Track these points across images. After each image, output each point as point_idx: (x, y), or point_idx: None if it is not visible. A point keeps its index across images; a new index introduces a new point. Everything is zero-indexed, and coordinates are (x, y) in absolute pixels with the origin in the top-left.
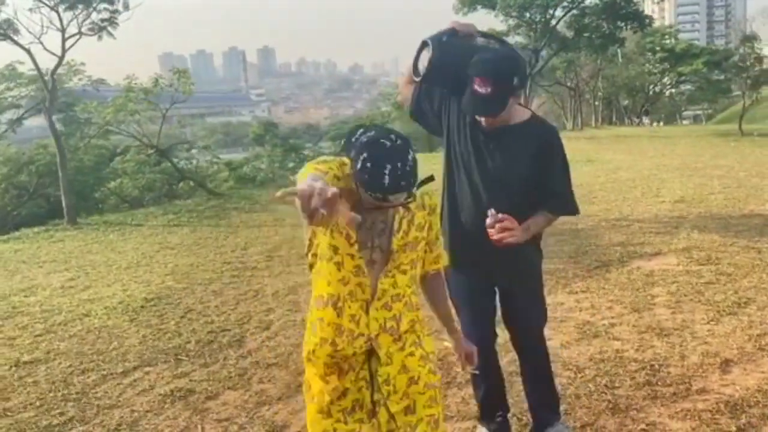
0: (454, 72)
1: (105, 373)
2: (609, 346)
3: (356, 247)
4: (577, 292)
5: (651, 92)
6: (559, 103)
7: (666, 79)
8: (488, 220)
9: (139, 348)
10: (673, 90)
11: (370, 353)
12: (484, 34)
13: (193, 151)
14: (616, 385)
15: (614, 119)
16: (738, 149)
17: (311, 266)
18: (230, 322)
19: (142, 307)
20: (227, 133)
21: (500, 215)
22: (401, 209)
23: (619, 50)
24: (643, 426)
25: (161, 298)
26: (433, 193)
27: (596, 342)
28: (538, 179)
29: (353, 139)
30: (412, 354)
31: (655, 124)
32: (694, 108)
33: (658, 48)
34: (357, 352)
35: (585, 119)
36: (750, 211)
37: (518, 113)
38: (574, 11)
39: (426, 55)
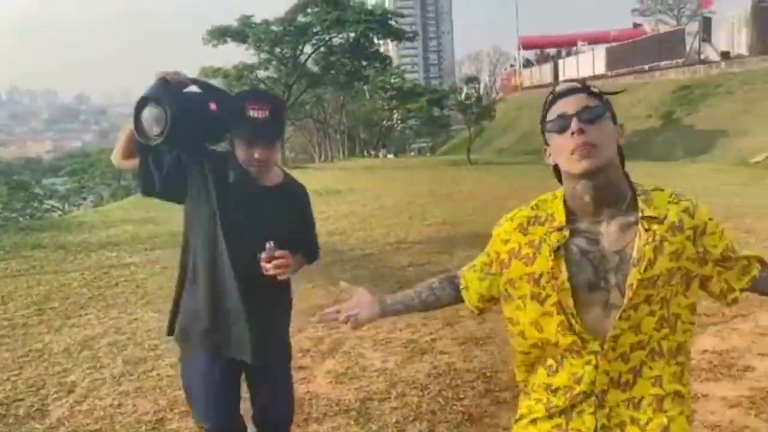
0: (193, 128)
1: None
2: (439, 360)
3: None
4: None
5: (385, 127)
6: (307, 137)
7: (396, 115)
8: (263, 254)
9: None
10: (403, 125)
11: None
12: (195, 81)
13: None
14: (461, 396)
15: (356, 152)
16: (472, 176)
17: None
18: (20, 390)
19: None
20: None
21: (277, 251)
22: (642, 228)
23: (366, 87)
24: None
25: None
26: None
27: (427, 358)
28: (295, 234)
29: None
30: None
31: (389, 156)
32: (420, 141)
33: (387, 86)
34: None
35: (331, 152)
36: None
37: (275, 173)
38: (322, 49)
39: (154, 113)
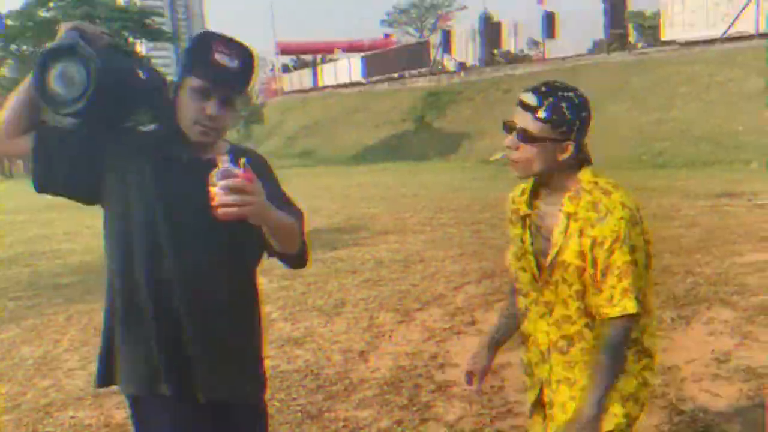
0: (120, 97)
1: None
2: None
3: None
4: None
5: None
6: None
7: None
8: (217, 175)
9: None
10: None
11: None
12: (110, 36)
13: None
14: (295, 396)
15: None
16: None
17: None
18: None
19: None
20: None
21: (239, 168)
22: (562, 219)
23: None
24: (342, 423)
25: None
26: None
27: None
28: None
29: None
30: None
31: None
32: None
33: None
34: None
35: None
36: None
37: (221, 145)
38: None
39: (72, 71)
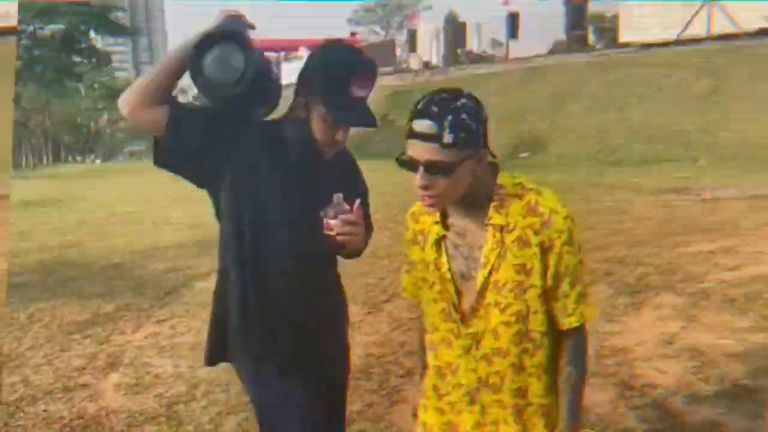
0: (262, 89)
1: None
2: None
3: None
4: (164, 320)
5: (93, 129)
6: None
7: (105, 117)
8: (329, 209)
9: None
10: (113, 127)
11: None
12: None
13: None
14: None
15: (61, 157)
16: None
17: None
18: None
19: None
20: None
21: (346, 205)
22: (489, 234)
23: (81, 86)
24: None
25: None
26: (554, 195)
27: None
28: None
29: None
30: None
31: (98, 161)
32: (133, 144)
33: (96, 85)
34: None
35: (32, 158)
36: None
37: None
38: (25, 41)
39: (233, 56)
